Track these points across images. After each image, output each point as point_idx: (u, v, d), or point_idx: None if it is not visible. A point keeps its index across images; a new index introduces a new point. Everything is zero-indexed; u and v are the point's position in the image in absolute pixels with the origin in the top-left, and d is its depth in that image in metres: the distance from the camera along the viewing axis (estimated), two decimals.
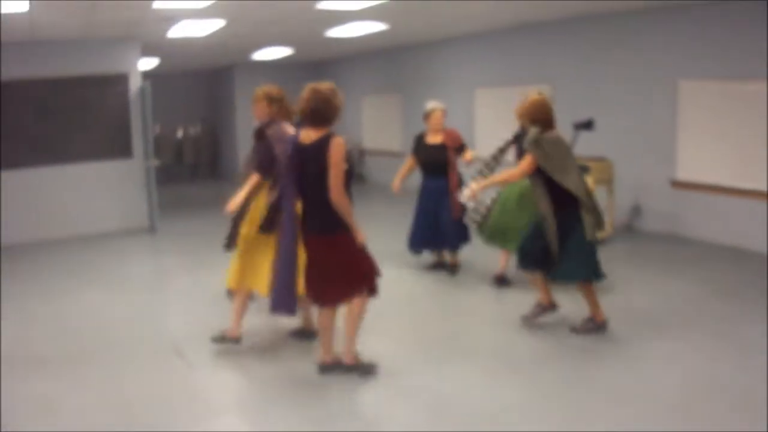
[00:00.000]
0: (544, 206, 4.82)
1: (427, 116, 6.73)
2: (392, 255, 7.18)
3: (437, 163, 6.62)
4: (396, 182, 6.92)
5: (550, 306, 5.19)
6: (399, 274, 6.84)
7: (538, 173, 4.81)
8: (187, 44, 10.78)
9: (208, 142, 17.60)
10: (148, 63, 13.24)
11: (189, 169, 17.54)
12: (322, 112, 4.16)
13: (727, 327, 5.13)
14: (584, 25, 9.08)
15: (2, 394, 4.35)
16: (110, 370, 4.82)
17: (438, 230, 6.69)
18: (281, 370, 4.65)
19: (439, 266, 7.04)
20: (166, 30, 9.13)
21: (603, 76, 8.89)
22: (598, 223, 4.88)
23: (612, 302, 5.58)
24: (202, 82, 17.76)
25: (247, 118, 13.57)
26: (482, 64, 11.18)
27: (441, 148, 6.62)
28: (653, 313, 5.52)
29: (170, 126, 17.12)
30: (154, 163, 9.86)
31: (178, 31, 9.28)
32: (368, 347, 4.69)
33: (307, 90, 4.22)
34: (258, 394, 4.39)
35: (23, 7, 6.85)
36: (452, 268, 6.88)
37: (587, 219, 4.75)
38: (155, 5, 7.27)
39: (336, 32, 10.39)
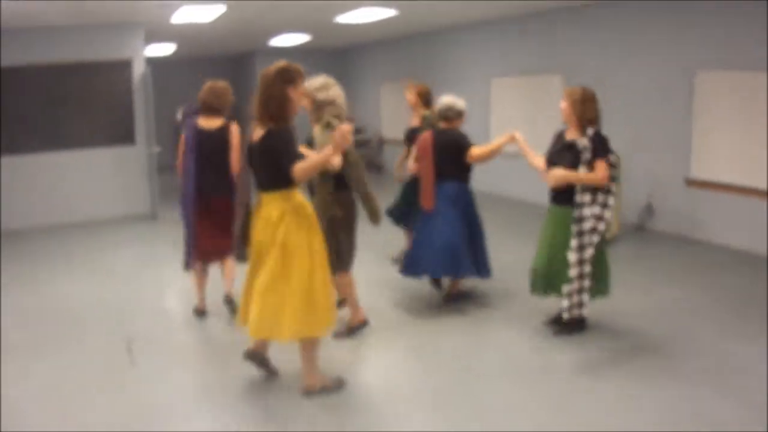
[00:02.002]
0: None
1: (458, 116, 5.50)
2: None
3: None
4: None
5: None
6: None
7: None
8: (197, 30, 10.62)
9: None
10: (164, 49, 13.17)
11: None
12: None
13: (721, 345, 4.65)
14: (599, 12, 8.62)
15: None
16: (60, 359, 4.80)
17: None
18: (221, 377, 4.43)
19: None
20: (168, 15, 8.95)
21: (617, 66, 8.42)
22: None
23: (599, 308, 5.14)
24: (226, 67, 17.62)
25: None
26: (498, 53, 10.78)
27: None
28: (640, 325, 5.07)
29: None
30: (156, 149, 9.73)
31: (181, 17, 9.11)
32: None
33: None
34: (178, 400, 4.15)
35: None
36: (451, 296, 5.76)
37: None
38: None
39: (346, 18, 10.14)
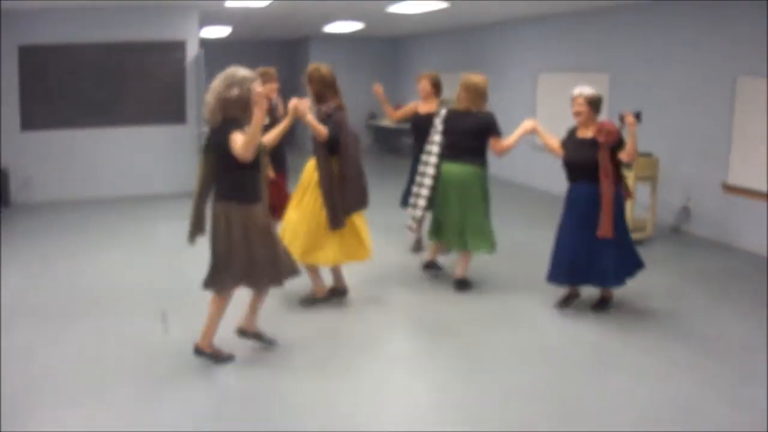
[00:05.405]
0: None
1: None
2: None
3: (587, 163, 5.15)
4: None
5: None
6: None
7: None
8: (252, 14, 10.87)
9: (283, 113, 17.72)
10: (220, 31, 13.51)
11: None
12: None
13: (742, 353, 4.65)
14: (646, 12, 8.53)
15: None
16: (95, 325, 5.05)
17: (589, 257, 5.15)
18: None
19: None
20: None
21: (661, 68, 8.33)
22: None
23: (620, 307, 5.36)
24: (282, 51, 17.89)
25: None
26: (545, 49, 10.76)
27: (592, 144, 5.17)
28: (653, 326, 5.13)
29: None
30: (205, 129, 10.03)
31: (235, 1, 9.37)
32: None
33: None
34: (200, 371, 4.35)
35: None
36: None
37: None
38: None
39: (397, 8, 10.25)
